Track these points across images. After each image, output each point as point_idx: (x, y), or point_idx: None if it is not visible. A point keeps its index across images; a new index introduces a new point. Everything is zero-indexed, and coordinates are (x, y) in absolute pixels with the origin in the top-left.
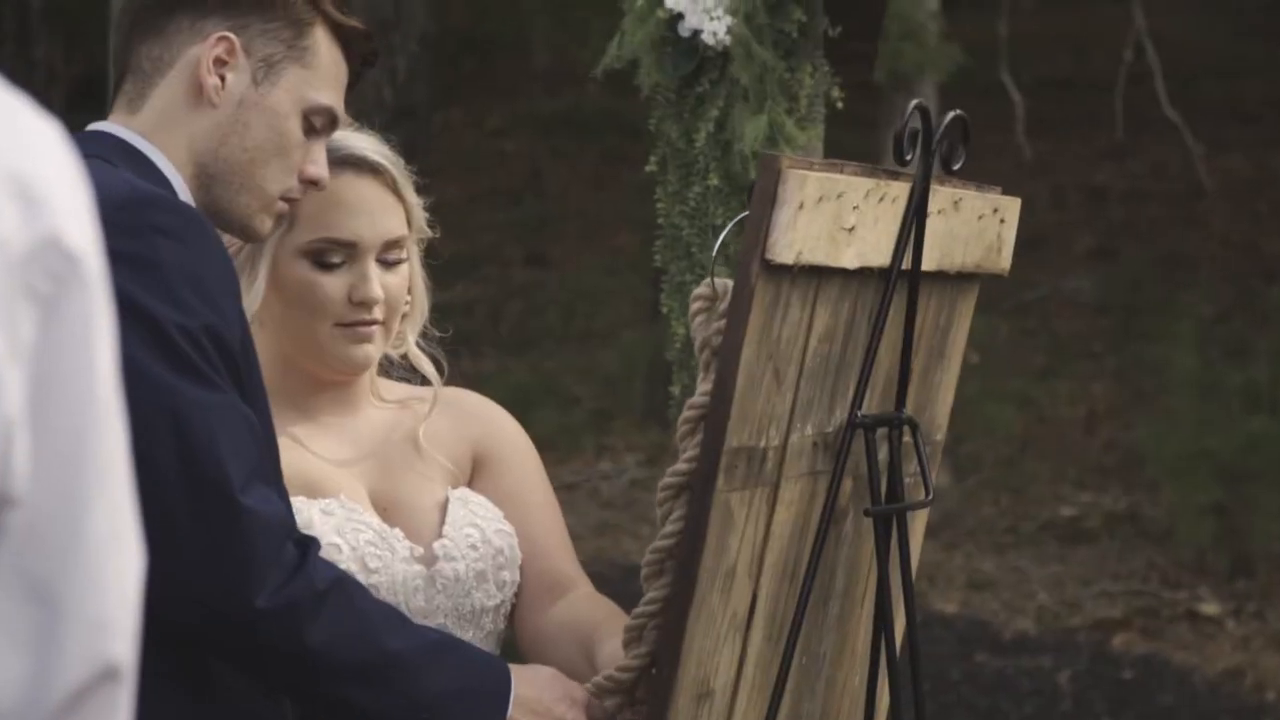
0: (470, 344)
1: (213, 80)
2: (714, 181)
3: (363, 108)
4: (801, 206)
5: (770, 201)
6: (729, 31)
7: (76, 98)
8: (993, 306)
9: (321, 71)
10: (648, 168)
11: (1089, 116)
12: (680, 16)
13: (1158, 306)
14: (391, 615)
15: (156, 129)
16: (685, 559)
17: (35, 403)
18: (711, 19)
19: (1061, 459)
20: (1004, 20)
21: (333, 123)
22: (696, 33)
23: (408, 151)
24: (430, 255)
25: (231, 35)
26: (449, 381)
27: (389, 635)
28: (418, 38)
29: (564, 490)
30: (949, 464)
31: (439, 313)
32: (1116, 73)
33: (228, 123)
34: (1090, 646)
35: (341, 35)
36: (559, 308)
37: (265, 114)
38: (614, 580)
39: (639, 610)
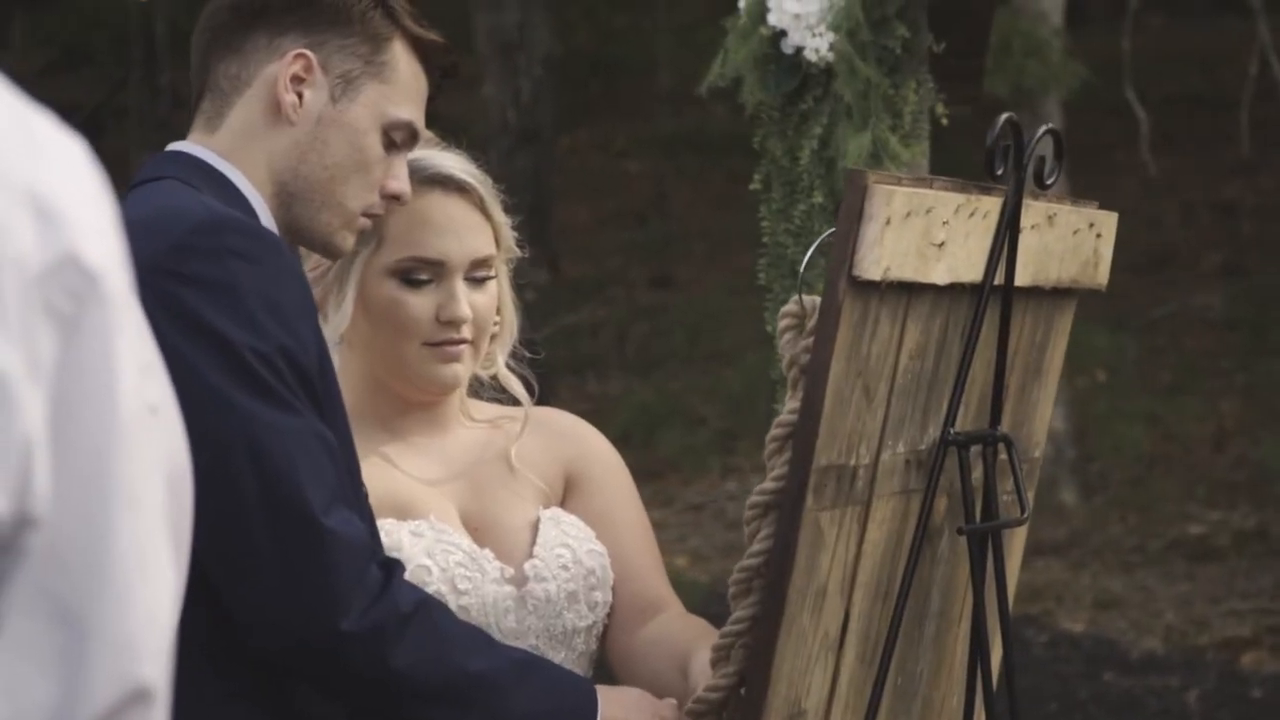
0: (596, 366)
1: (290, 98)
2: (818, 199)
3: (488, 131)
4: (889, 222)
5: (857, 217)
6: (832, 48)
7: None
8: (1121, 324)
9: (401, 86)
10: (752, 185)
11: (1216, 133)
12: (783, 34)
13: None
14: (477, 636)
15: (235, 148)
16: (774, 579)
17: (56, 423)
18: (814, 35)
19: (1190, 477)
20: (1128, 37)
21: (413, 137)
22: (799, 50)
23: (532, 174)
24: (556, 278)
25: (309, 52)
26: (575, 402)
27: (474, 656)
28: (542, 60)
29: (690, 511)
30: (1076, 482)
31: (566, 335)
32: (1242, 88)
33: (306, 140)
34: (1219, 665)
35: (420, 49)
36: (684, 329)
37: (344, 130)
38: None
39: (726, 630)
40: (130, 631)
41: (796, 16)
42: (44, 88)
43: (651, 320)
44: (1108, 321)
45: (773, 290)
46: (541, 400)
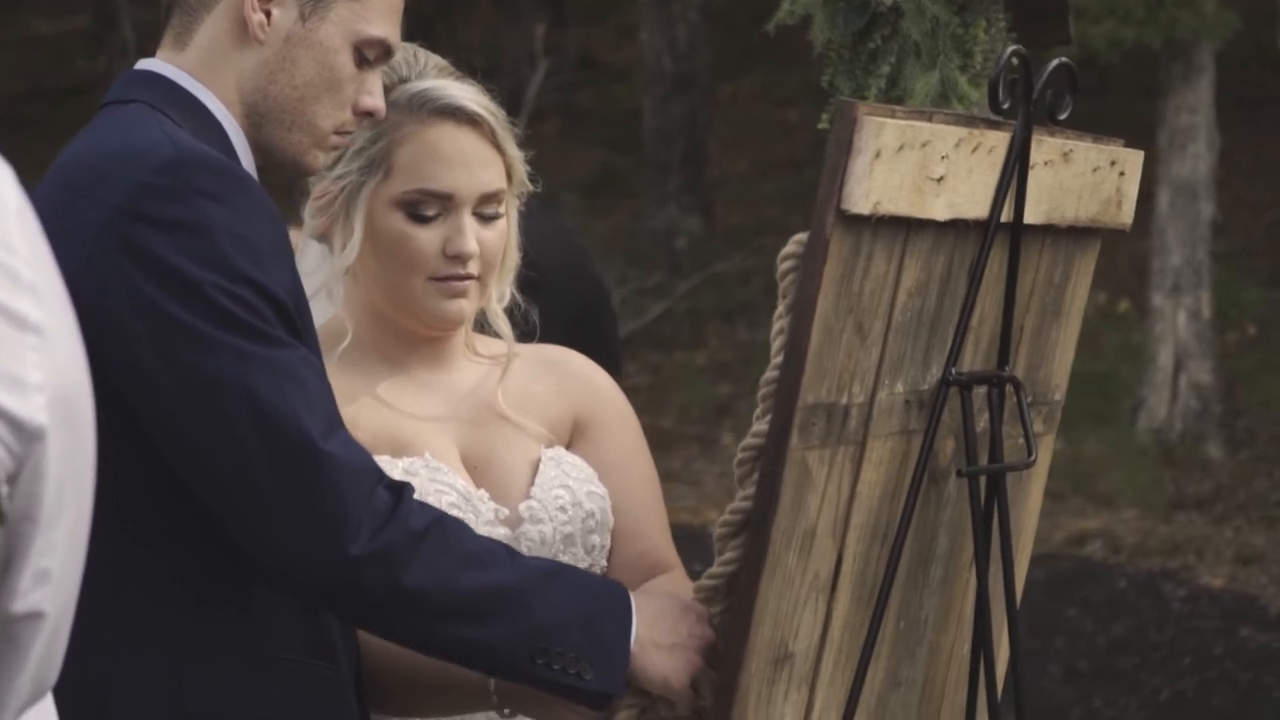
0: (747, 314)
1: (258, 17)
2: None
3: (644, 78)
4: (879, 155)
5: (845, 150)
6: None
7: None
8: (1273, 279)
9: (373, 2)
10: (820, 125)
11: None
12: None
13: None
14: (496, 550)
15: (203, 67)
16: (759, 519)
17: None
18: None
19: None
20: None
21: (387, 53)
22: None
23: (687, 122)
24: (710, 226)
25: None
26: (724, 350)
27: (491, 570)
28: (699, 7)
29: None
30: (1223, 437)
31: (717, 282)
32: None
33: (275, 61)
34: None
35: None
36: None
37: (314, 50)
38: None
39: (712, 571)
40: None
41: None
42: None
43: None
44: (1258, 276)
45: None
46: (689, 347)
